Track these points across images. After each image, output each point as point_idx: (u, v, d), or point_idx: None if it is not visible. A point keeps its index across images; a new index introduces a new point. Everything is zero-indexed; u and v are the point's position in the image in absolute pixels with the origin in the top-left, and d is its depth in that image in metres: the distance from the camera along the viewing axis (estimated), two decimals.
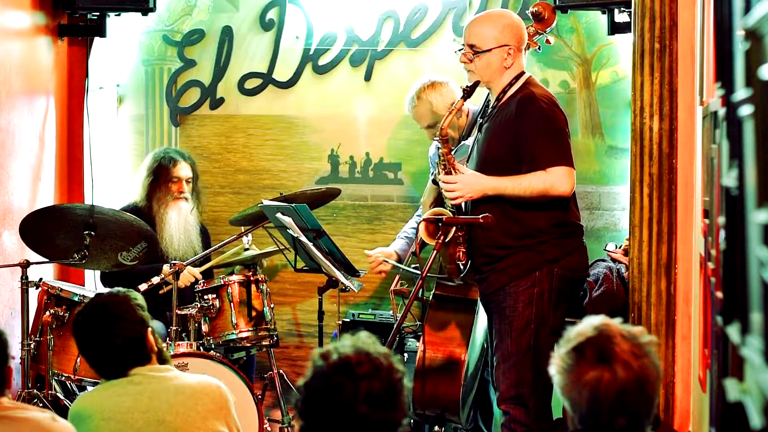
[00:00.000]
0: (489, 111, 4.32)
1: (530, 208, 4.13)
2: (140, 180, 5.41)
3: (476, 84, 4.26)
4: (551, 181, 4.06)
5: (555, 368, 2.33)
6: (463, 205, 4.28)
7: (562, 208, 4.20)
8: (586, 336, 2.29)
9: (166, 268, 4.79)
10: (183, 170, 5.35)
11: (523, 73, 4.28)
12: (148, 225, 4.93)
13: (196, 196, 5.44)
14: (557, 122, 4.16)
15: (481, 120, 4.39)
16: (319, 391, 2.24)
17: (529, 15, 4.55)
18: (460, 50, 4.31)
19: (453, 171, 4.23)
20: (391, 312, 5.18)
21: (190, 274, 5.08)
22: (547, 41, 4.59)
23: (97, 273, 5.45)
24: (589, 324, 2.33)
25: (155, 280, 4.75)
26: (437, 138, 4.28)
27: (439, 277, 4.54)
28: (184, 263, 4.82)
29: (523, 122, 4.11)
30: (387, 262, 5.07)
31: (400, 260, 5.17)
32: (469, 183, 4.19)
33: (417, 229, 4.24)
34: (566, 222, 4.23)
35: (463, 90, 4.28)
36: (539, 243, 4.16)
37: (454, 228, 4.16)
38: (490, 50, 4.20)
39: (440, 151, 4.29)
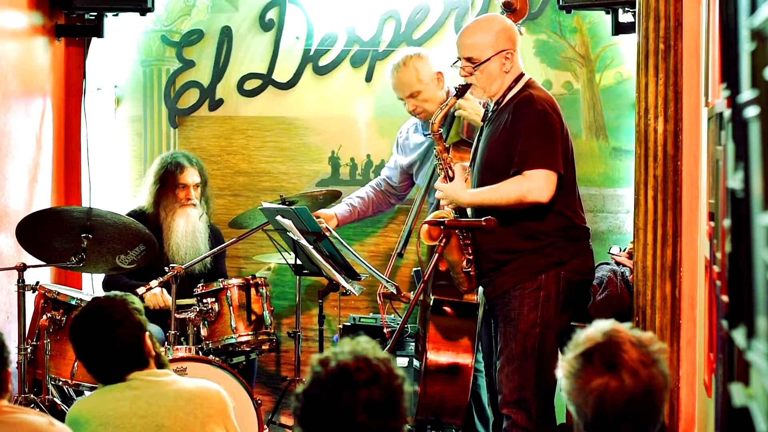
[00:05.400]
0: (489, 115, 4.28)
1: (536, 212, 4.09)
2: (147, 186, 5.39)
3: (469, 84, 4.22)
4: (527, 187, 4.00)
5: (562, 372, 2.30)
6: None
7: (569, 210, 4.18)
8: (595, 341, 2.25)
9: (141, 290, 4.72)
10: (190, 176, 5.32)
11: (522, 75, 4.24)
12: (155, 232, 4.90)
13: (206, 201, 5.41)
14: (548, 124, 4.08)
15: (482, 123, 4.36)
16: (317, 399, 2.20)
17: (501, 6, 4.51)
18: (455, 64, 4.27)
19: (449, 169, 4.21)
20: (392, 316, 5.14)
21: (161, 298, 5.05)
22: (519, 33, 4.54)
23: (96, 278, 5.43)
24: (598, 329, 2.29)
25: (153, 283, 4.71)
26: (430, 134, 4.25)
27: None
28: (183, 266, 4.79)
29: (517, 124, 4.08)
30: (329, 230, 4.95)
31: (339, 225, 5.22)
32: (450, 195, 4.19)
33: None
34: (573, 225, 4.21)
35: (456, 89, 4.24)
36: (546, 246, 4.14)
37: (457, 232, 4.13)
38: (489, 59, 4.16)
39: (435, 149, 4.28)
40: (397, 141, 5.29)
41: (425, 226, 4.14)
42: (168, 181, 5.31)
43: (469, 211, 4.28)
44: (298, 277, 5.03)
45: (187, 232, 5.28)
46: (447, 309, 4.53)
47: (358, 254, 4.86)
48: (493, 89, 4.21)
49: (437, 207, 4.41)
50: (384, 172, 5.35)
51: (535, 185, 4.00)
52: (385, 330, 4.79)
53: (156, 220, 5.26)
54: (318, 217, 5.04)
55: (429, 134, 4.27)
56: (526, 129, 4.05)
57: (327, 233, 4.92)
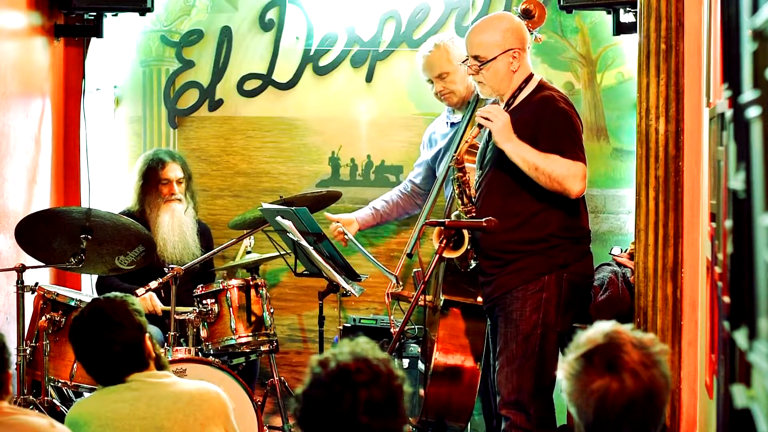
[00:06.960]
0: None
1: (544, 212, 4.11)
2: (132, 185, 5.39)
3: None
4: (574, 172, 4.02)
5: (563, 373, 2.29)
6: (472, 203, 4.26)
7: (575, 213, 4.20)
8: (596, 343, 2.24)
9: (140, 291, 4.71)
10: (172, 171, 5.32)
11: (532, 75, 4.25)
12: None
13: (191, 195, 5.40)
14: (576, 124, 4.15)
15: None
16: (317, 400, 2.20)
17: (519, 13, 4.51)
18: (464, 62, 4.27)
19: (466, 191, 4.19)
20: (392, 316, 5.12)
21: (151, 302, 5.04)
22: (537, 39, 4.53)
23: (94, 279, 5.42)
24: (599, 330, 2.28)
25: (153, 284, 4.70)
26: (453, 164, 4.23)
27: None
28: (182, 267, 4.78)
29: (546, 122, 4.09)
30: (346, 234, 5.03)
31: (360, 229, 5.23)
32: (502, 126, 4.05)
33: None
34: (577, 227, 4.22)
35: (479, 125, 4.20)
36: (551, 248, 4.14)
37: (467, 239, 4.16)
38: (495, 58, 4.16)
39: (456, 174, 4.25)
40: (425, 137, 5.27)
41: (435, 230, 4.17)
42: (151, 178, 5.33)
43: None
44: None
45: (174, 227, 5.28)
46: (457, 311, 4.53)
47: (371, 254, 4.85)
48: (501, 88, 4.22)
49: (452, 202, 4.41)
50: (410, 174, 5.33)
51: (579, 175, 4.03)
52: (392, 330, 4.78)
53: (142, 217, 5.25)
54: (337, 222, 5.11)
55: (453, 164, 4.26)
56: (562, 128, 4.08)
57: (343, 237, 4.95)
